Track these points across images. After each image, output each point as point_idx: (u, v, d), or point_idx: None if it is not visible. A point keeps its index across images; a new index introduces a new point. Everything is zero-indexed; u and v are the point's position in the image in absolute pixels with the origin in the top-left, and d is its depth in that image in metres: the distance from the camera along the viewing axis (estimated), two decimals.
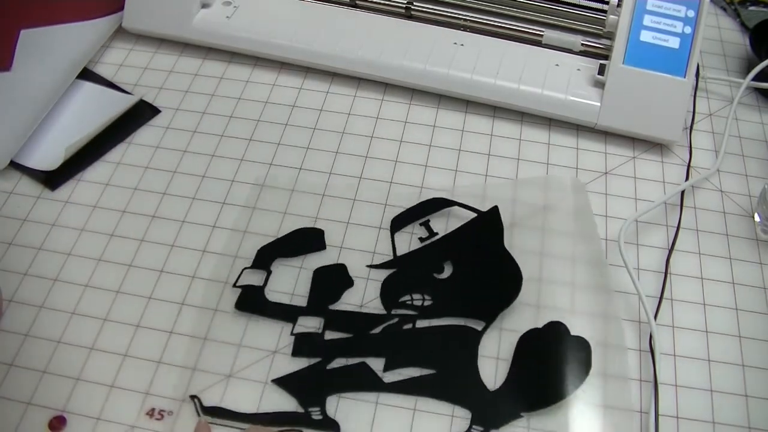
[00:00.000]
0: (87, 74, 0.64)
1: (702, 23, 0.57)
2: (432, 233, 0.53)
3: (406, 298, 0.49)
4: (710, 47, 0.68)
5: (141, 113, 0.61)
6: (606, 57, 0.60)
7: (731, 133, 0.60)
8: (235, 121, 0.61)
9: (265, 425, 0.44)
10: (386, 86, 0.63)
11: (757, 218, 0.55)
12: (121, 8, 0.66)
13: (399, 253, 0.52)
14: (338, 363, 0.47)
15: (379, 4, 0.66)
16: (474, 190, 0.56)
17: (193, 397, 0.46)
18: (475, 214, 0.54)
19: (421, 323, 0.48)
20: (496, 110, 0.62)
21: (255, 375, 0.46)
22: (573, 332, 0.48)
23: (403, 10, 0.66)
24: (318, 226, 0.54)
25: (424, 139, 0.60)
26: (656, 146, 0.59)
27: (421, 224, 0.53)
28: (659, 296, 0.50)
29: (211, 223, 0.54)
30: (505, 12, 0.67)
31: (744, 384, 0.47)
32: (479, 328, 0.48)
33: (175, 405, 0.45)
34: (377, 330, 0.48)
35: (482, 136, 0.60)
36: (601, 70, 0.59)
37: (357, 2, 0.66)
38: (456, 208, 0.54)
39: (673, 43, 0.58)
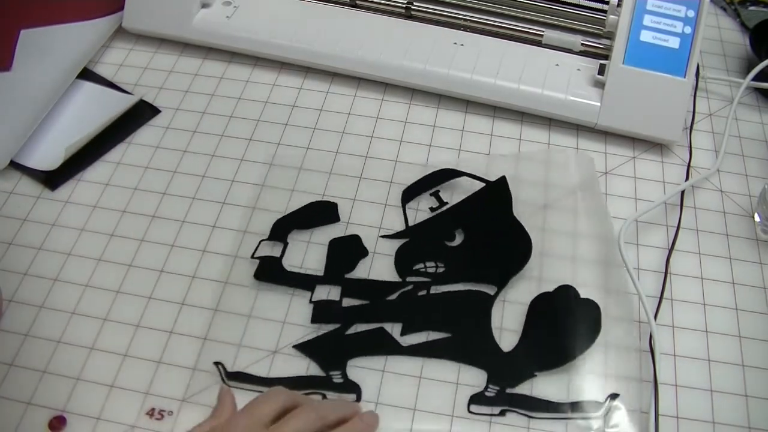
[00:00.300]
0: (87, 74, 0.64)
1: (702, 23, 0.57)
2: (442, 203, 0.54)
3: (420, 265, 0.51)
4: (710, 47, 0.68)
5: (141, 113, 0.61)
6: (606, 57, 0.59)
7: (731, 133, 0.60)
8: (235, 121, 0.61)
9: (289, 389, 0.44)
10: (386, 86, 0.63)
11: (757, 218, 0.55)
12: (121, 8, 0.66)
13: (410, 223, 0.54)
14: (356, 329, 0.48)
15: (379, 4, 0.66)
16: (477, 165, 0.57)
17: (216, 363, 0.46)
18: (483, 184, 0.55)
19: (435, 289, 0.50)
20: (496, 110, 0.62)
21: (270, 344, 0.48)
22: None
23: (403, 10, 0.66)
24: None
25: (424, 139, 0.60)
26: (656, 146, 0.59)
27: (431, 194, 0.55)
28: (659, 296, 0.50)
29: (211, 223, 0.54)
30: (505, 12, 0.67)
31: (744, 384, 0.47)
32: (491, 293, 0.50)
33: (175, 405, 0.45)
34: (393, 296, 0.50)
35: (482, 136, 0.60)
36: (601, 70, 0.59)
37: (357, 2, 0.66)
38: (464, 179, 0.55)
39: (673, 43, 0.58)
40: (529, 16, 0.66)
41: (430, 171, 0.56)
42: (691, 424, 0.45)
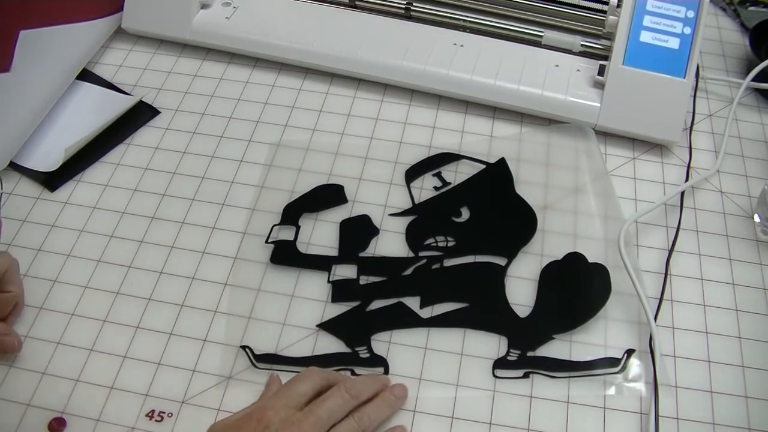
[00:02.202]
0: (86, 75, 0.64)
1: (702, 24, 0.57)
2: (445, 183, 0.56)
3: (431, 240, 0.52)
4: (710, 48, 0.68)
5: (140, 114, 0.61)
6: (606, 58, 0.59)
7: (731, 133, 0.60)
8: (235, 122, 0.61)
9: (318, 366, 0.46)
10: (386, 87, 0.63)
11: (756, 219, 0.55)
12: (121, 9, 0.66)
13: (416, 202, 0.55)
14: (377, 305, 0.50)
15: (379, 4, 0.66)
16: (479, 147, 0.59)
17: (244, 347, 0.47)
18: (484, 166, 0.57)
19: (448, 262, 0.51)
20: (495, 111, 0.62)
21: (296, 323, 0.49)
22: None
23: (403, 11, 0.66)
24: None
25: (423, 140, 0.59)
26: (656, 147, 0.59)
27: (433, 175, 0.56)
28: (659, 297, 0.50)
29: (211, 224, 0.54)
30: (505, 13, 0.67)
31: (744, 385, 0.47)
32: (503, 263, 0.51)
33: (174, 407, 0.45)
34: (408, 271, 0.51)
35: (482, 137, 0.60)
36: (601, 70, 0.59)
37: (356, 3, 0.66)
38: (465, 162, 0.57)
39: (673, 43, 0.57)
40: (528, 17, 0.66)
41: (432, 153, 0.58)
42: (692, 425, 0.45)
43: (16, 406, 0.45)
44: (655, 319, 0.49)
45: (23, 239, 0.53)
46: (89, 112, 0.61)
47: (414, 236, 0.53)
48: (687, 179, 0.57)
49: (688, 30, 0.58)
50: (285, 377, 0.45)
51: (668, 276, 0.51)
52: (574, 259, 0.51)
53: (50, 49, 0.62)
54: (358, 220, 0.54)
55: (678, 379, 0.47)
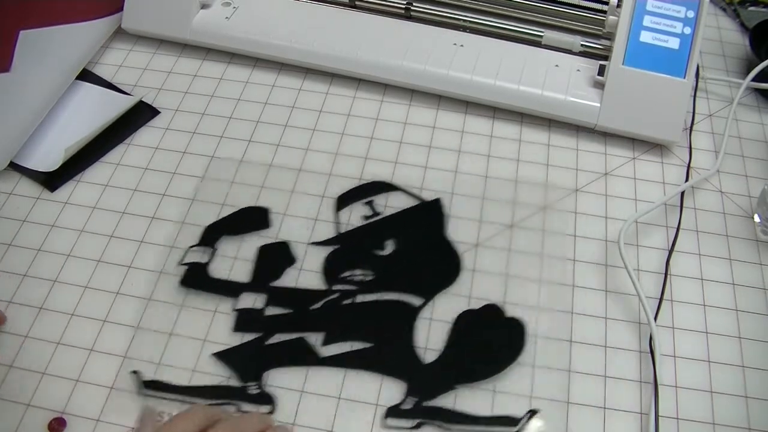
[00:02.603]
0: (86, 75, 0.64)
1: (702, 24, 0.57)
2: (376, 213, 0.54)
3: (348, 273, 0.50)
4: (710, 48, 0.68)
5: (140, 114, 0.61)
6: (606, 58, 0.59)
7: (731, 133, 0.60)
8: (235, 122, 0.61)
9: (204, 399, 0.45)
10: (386, 87, 0.63)
11: (756, 219, 0.55)
12: (121, 9, 0.66)
13: (342, 231, 0.53)
14: (277, 339, 0.48)
15: (379, 4, 0.66)
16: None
17: (134, 372, 0.46)
18: (419, 201, 0.55)
19: (361, 298, 0.49)
20: (495, 111, 0.62)
21: (192, 354, 0.47)
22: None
23: (403, 11, 0.66)
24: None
25: (423, 140, 0.59)
26: (656, 147, 0.59)
27: (365, 204, 0.54)
28: (659, 297, 0.50)
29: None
30: (505, 13, 0.67)
31: (744, 385, 0.47)
32: (417, 304, 0.49)
33: (175, 407, 0.45)
34: (318, 305, 0.49)
35: (482, 137, 0.60)
36: (601, 70, 0.59)
37: (356, 3, 0.66)
38: (400, 194, 0.55)
39: (673, 43, 0.57)
40: (528, 17, 0.66)
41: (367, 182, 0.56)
42: (692, 425, 0.45)
43: (16, 406, 0.45)
44: (655, 319, 0.49)
45: (23, 239, 0.53)
46: (89, 112, 0.61)
47: (331, 268, 0.51)
48: (687, 179, 0.57)
49: (688, 30, 0.58)
50: (168, 406, 0.45)
51: (668, 276, 0.51)
52: (491, 310, 0.49)
53: (50, 49, 0.62)
54: (276, 247, 0.52)
55: (678, 379, 0.47)
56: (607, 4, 0.60)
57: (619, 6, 0.59)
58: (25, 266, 0.52)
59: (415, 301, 0.49)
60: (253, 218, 0.54)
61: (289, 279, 0.51)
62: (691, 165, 0.58)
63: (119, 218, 0.54)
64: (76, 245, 0.53)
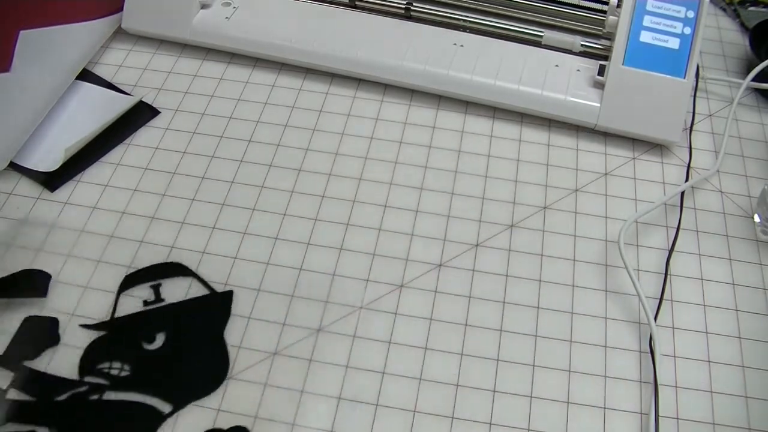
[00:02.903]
0: (86, 75, 0.64)
1: (702, 24, 0.57)
2: (159, 299, 0.49)
3: (105, 365, 0.46)
4: (710, 48, 0.68)
5: (140, 114, 0.61)
6: (606, 58, 0.59)
7: (731, 133, 0.60)
8: (235, 122, 0.61)
9: None
10: (386, 87, 0.63)
11: (756, 219, 0.55)
12: (121, 9, 0.66)
13: (117, 315, 0.49)
14: (7, 428, 0.43)
15: (379, 4, 0.66)
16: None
17: None
18: (209, 292, 0.50)
19: (109, 395, 0.45)
20: (495, 111, 0.62)
21: None
22: None
23: (403, 11, 0.66)
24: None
25: (423, 140, 0.60)
26: (656, 147, 0.59)
27: (152, 286, 0.50)
28: (659, 297, 0.50)
29: (211, 224, 0.54)
30: (505, 13, 0.67)
31: (744, 385, 0.47)
32: (165, 411, 0.45)
33: None
34: (63, 397, 0.45)
35: (482, 137, 0.60)
36: (601, 70, 0.59)
37: (356, 3, 0.66)
38: (192, 280, 0.51)
39: (673, 43, 0.57)
40: (528, 17, 0.66)
41: (168, 261, 0.52)
42: (692, 426, 0.45)
43: None
44: (655, 319, 0.49)
45: (23, 239, 0.53)
46: (89, 112, 0.61)
47: (90, 356, 0.46)
48: (687, 179, 0.57)
49: (688, 30, 0.58)
50: None
51: (668, 276, 0.51)
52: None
53: (50, 49, 0.62)
54: (43, 322, 0.48)
55: (678, 379, 0.47)
56: (607, 4, 0.60)
57: (619, 6, 0.59)
58: (24, 267, 0.51)
59: (164, 407, 0.45)
60: (28, 283, 0.49)
61: (47, 361, 0.46)
62: (691, 165, 0.58)
63: (119, 218, 0.54)
64: (76, 245, 0.53)
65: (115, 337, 0.48)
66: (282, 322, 0.49)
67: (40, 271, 0.50)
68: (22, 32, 0.62)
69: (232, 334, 0.48)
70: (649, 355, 0.47)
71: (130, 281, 0.50)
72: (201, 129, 0.60)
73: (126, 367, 0.46)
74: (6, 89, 0.59)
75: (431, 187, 0.56)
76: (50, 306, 0.49)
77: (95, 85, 0.63)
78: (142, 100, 0.62)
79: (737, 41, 0.69)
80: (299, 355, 0.47)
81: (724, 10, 0.72)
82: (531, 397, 0.46)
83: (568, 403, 0.46)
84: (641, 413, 0.45)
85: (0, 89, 0.58)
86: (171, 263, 0.51)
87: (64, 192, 0.56)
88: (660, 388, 0.45)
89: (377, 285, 0.51)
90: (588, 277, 0.51)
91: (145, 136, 0.60)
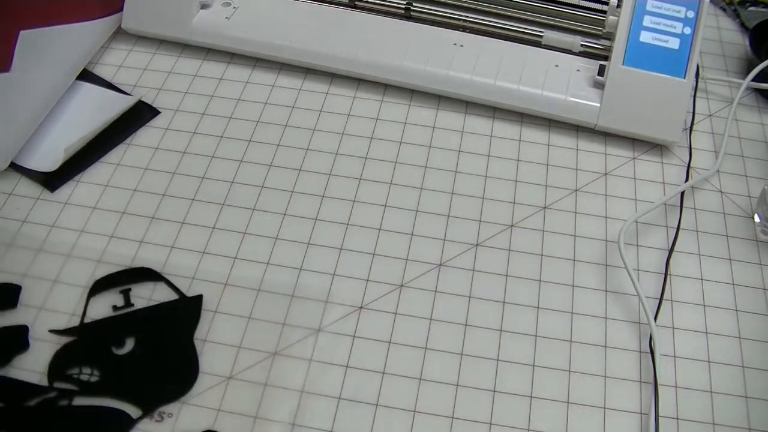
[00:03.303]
0: (86, 75, 0.64)
1: (702, 24, 0.57)
2: (128, 304, 0.49)
3: (75, 370, 0.46)
4: (710, 48, 0.68)
5: (140, 114, 0.61)
6: (606, 58, 0.59)
7: (731, 133, 0.60)
8: (235, 122, 0.61)
9: None
10: (386, 87, 0.63)
11: (756, 219, 0.55)
12: (121, 9, 0.66)
13: (87, 321, 0.49)
14: None
15: (379, 4, 0.66)
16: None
17: None
18: (178, 297, 0.50)
19: (78, 401, 0.45)
20: (495, 111, 0.62)
21: None
22: None
23: (403, 11, 0.66)
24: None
25: (423, 140, 0.60)
26: (656, 147, 0.59)
27: (121, 291, 0.50)
28: (659, 297, 0.50)
29: (211, 224, 0.54)
30: (505, 13, 0.67)
31: (744, 385, 0.47)
32: (135, 416, 0.45)
33: (175, 408, 0.45)
34: (32, 403, 0.45)
35: (482, 137, 0.60)
36: (601, 70, 0.59)
37: (356, 3, 0.66)
38: (162, 285, 0.51)
39: (673, 43, 0.58)
40: (528, 17, 0.66)
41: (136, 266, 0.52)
42: (692, 426, 0.45)
43: None
44: (655, 319, 0.49)
45: (23, 239, 0.53)
46: (89, 112, 0.61)
47: (59, 362, 0.46)
48: (687, 179, 0.57)
49: (688, 30, 0.58)
50: None
51: (668, 276, 0.51)
52: None
53: (50, 49, 0.62)
54: (13, 331, 0.47)
55: (678, 379, 0.47)
56: (607, 4, 0.60)
57: (619, 6, 0.59)
58: (25, 267, 0.52)
59: (133, 412, 0.45)
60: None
61: (18, 367, 0.46)
62: (691, 165, 0.58)
63: (119, 218, 0.54)
64: (76, 245, 0.53)
65: (83, 342, 0.47)
66: (282, 322, 0.49)
67: (9, 284, 0.50)
68: (22, 32, 0.62)
69: (232, 334, 0.48)
70: (649, 355, 0.47)
71: (99, 286, 0.50)
72: (201, 129, 0.60)
73: (96, 372, 0.46)
74: (6, 89, 0.59)
75: (431, 187, 0.56)
76: (52, 308, 0.49)
77: (95, 85, 0.63)
78: (142, 100, 0.62)
79: (737, 41, 0.69)
80: (299, 355, 0.47)
81: (724, 10, 0.72)
82: (531, 397, 0.46)
83: (568, 403, 0.46)
84: (641, 413, 0.45)
85: (0, 89, 0.58)
86: (140, 268, 0.51)
87: (64, 192, 0.56)
88: (660, 388, 0.45)
89: (377, 285, 0.51)
90: (588, 277, 0.51)
91: (145, 136, 0.60)
